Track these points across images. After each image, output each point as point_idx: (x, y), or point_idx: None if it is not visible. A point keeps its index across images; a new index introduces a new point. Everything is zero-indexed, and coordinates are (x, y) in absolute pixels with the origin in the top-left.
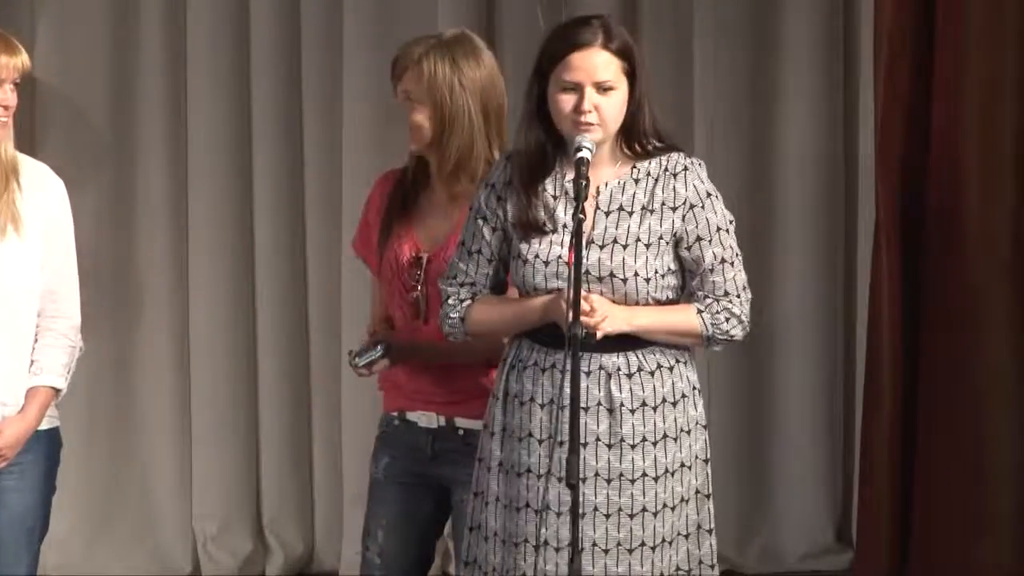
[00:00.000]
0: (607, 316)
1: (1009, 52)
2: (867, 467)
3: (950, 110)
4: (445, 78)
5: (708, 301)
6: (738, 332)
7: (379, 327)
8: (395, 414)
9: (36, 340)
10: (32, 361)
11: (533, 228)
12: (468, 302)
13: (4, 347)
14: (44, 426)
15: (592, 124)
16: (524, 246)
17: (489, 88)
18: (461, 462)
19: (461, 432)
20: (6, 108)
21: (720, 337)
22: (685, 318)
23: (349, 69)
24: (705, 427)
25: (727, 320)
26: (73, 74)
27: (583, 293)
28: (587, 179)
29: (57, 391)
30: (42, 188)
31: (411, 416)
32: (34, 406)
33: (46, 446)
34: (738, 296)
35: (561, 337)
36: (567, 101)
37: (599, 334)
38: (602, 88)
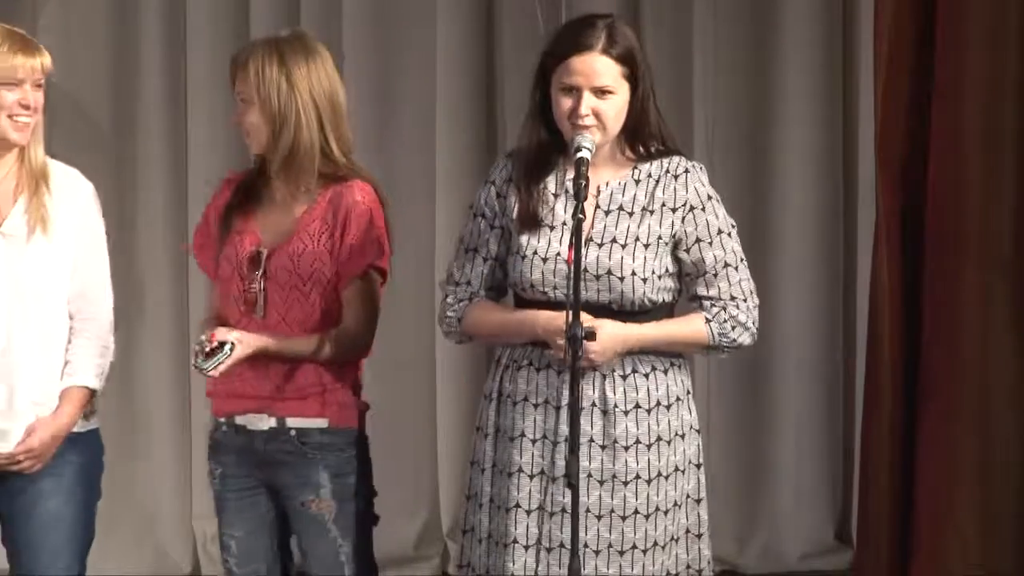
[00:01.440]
0: (596, 358)
1: (1009, 52)
2: (867, 467)
3: (950, 110)
4: (272, 77)
5: (715, 310)
6: (746, 339)
7: (210, 324)
8: (223, 419)
9: (70, 342)
10: (66, 362)
11: (533, 223)
12: (466, 303)
13: (35, 347)
14: (81, 428)
15: (589, 127)
16: (522, 241)
17: (319, 85)
18: (294, 463)
19: (293, 432)
20: (26, 108)
21: (726, 345)
22: (691, 330)
23: (349, 69)
24: (698, 431)
25: (733, 328)
26: (74, 74)
27: (590, 322)
28: (587, 179)
29: (92, 391)
30: (71, 191)
31: (240, 420)
32: (67, 405)
33: (83, 449)
34: (745, 301)
35: None
36: (565, 104)
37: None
38: (600, 92)
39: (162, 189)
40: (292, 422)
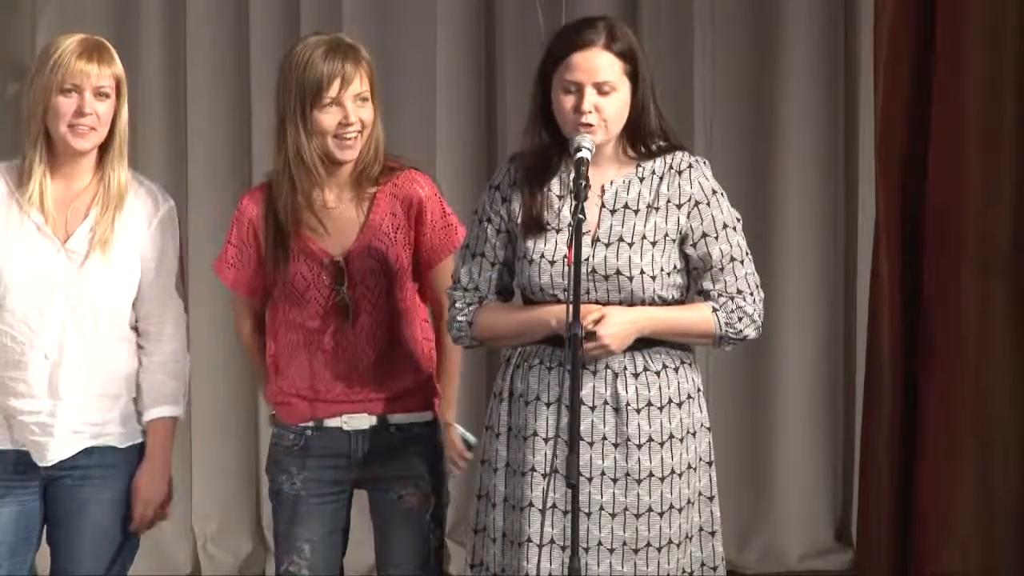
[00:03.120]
0: (609, 344)
1: (1009, 52)
2: (867, 467)
3: (950, 110)
4: (374, 70)
5: (722, 300)
6: (751, 332)
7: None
8: (309, 424)
9: (143, 367)
10: (142, 389)
11: (538, 227)
12: (475, 306)
13: (85, 365)
14: (134, 442)
15: (592, 125)
16: (529, 245)
17: None
18: (395, 459)
19: (393, 429)
20: (81, 115)
21: (733, 337)
22: (698, 318)
23: None
24: (709, 429)
25: (740, 320)
26: None
27: (598, 310)
28: (587, 179)
29: (175, 418)
30: (147, 211)
31: (332, 423)
32: (155, 444)
33: (132, 461)
34: (751, 295)
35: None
36: (568, 101)
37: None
38: (602, 89)
39: None
40: (394, 419)
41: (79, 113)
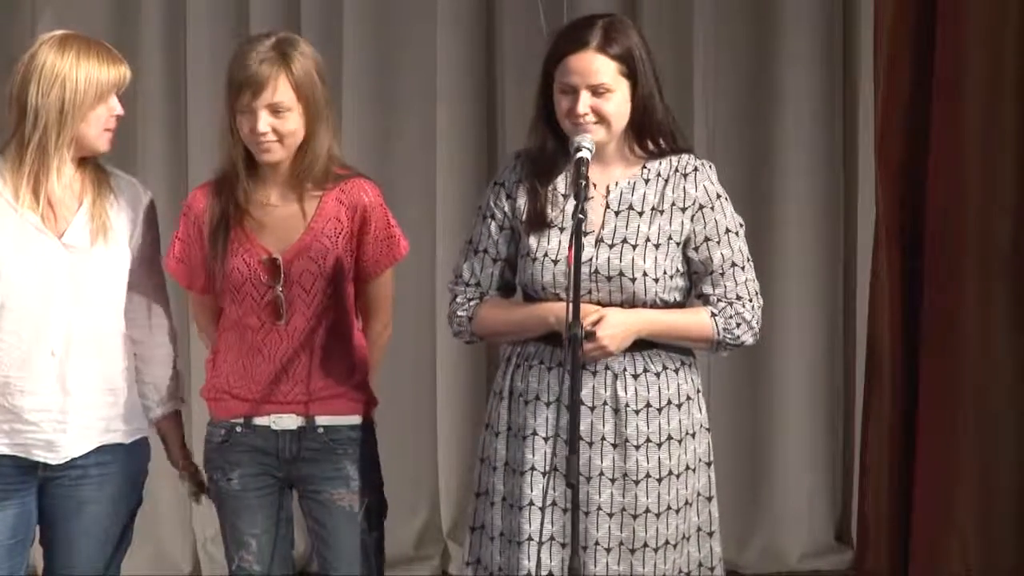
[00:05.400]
0: (608, 345)
1: (1009, 52)
2: (867, 467)
3: (950, 110)
4: (312, 76)
5: (721, 305)
6: (748, 338)
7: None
8: (238, 420)
9: (143, 361)
10: (147, 387)
11: (542, 224)
12: (476, 302)
13: (90, 357)
14: (126, 439)
15: (589, 125)
16: (532, 243)
17: (326, 81)
18: (322, 459)
19: (321, 430)
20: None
21: (730, 342)
22: (696, 321)
23: (349, 69)
24: (708, 430)
25: (738, 326)
26: None
27: (596, 311)
28: (587, 179)
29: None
30: (131, 201)
31: (260, 420)
32: (173, 439)
33: (128, 457)
34: (750, 301)
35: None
36: (564, 103)
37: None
38: (598, 91)
39: (163, 190)
40: (322, 420)
41: (117, 116)
